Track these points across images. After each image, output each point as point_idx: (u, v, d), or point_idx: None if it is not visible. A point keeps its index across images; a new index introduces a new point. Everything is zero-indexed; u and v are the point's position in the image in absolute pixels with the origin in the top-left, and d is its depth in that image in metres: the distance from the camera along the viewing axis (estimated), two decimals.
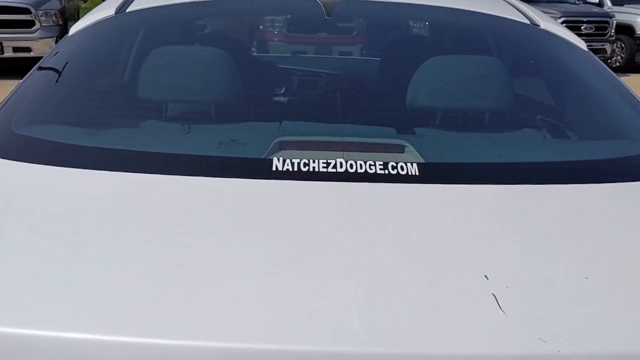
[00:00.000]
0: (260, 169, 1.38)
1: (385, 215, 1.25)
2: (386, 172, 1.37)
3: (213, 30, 2.50)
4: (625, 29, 11.17)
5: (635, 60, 11.33)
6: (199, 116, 1.74)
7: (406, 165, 1.39)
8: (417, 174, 1.37)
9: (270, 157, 1.41)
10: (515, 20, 2.12)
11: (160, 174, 1.34)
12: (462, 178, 1.40)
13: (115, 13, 2.04)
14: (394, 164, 1.39)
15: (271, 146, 1.46)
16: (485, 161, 1.50)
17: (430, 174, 1.40)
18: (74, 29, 2.10)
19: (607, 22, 10.60)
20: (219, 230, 1.19)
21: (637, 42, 11.27)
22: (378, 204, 1.28)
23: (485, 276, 1.03)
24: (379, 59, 2.34)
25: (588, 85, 2.05)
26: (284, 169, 1.36)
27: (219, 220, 1.21)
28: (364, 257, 1.10)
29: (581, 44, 2.14)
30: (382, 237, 1.17)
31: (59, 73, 1.88)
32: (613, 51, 10.86)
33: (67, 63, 1.94)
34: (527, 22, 2.12)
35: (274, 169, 1.37)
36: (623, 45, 11.32)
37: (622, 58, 11.32)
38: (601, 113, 1.93)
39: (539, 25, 2.12)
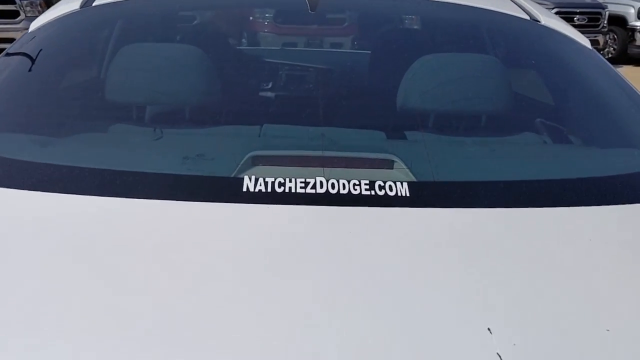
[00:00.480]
0: (228, 190, 1.20)
1: (369, 249, 1.07)
2: (372, 192, 1.20)
3: (187, 25, 2.31)
4: (617, 20, 11.08)
5: (628, 52, 11.23)
6: (165, 124, 1.56)
7: (395, 184, 1.22)
8: (408, 195, 1.20)
9: (241, 176, 1.24)
10: (514, 16, 1.96)
11: (110, 196, 1.16)
12: (459, 200, 1.22)
13: (81, 7, 1.86)
14: (381, 184, 1.22)
15: (242, 162, 1.29)
16: (486, 179, 1.31)
17: (423, 195, 1.22)
18: (34, 24, 1.92)
19: (600, 14, 10.49)
20: (175, 267, 1.01)
21: (630, 33, 11.19)
22: (362, 235, 1.11)
23: (489, 329, 0.87)
24: (368, 58, 2.16)
25: (593, 86, 1.89)
26: (256, 190, 1.19)
27: (174, 255, 1.04)
28: (343, 301, 0.93)
29: (584, 41, 1.98)
30: (365, 277, 0.99)
31: (13, 76, 1.70)
32: (606, 42, 10.75)
33: (22, 64, 1.75)
34: (527, 17, 1.96)
35: (244, 189, 1.19)
36: (615, 36, 11.24)
37: (614, 49, 11.21)
38: (608, 117, 1.77)
39: (539, 21, 1.96)
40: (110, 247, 1.05)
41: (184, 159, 1.30)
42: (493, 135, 1.67)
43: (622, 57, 11.00)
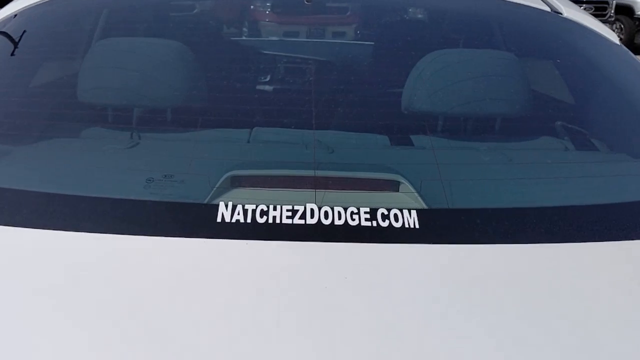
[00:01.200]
0: (199, 221, 0.99)
1: (367, 303, 0.86)
2: (374, 224, 0.98)
3: (169, 17, 2.09)
4: (624, 10, 10.85)
5: (635, 42, 10.97)
6: (139, 132, 1.34)
7: (402, 213, 1.00)
8: (417, 226, 0.99)
9: (216, 202, 1.03)
10: (533, 7, 1.74)
11: (55, 229, 0.95)
12: (483, 234, 1.00)
13: None
14: (385, 212, 1.00)
15: (219, 184, 1.07)
16: (515, 205, 1.09)
17: (436, 227, 1.01)
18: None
19: (607, 3, 10.29)
20: (126, 328, 0.80)
21: (637, 22, 10.95)
22: (360, 283, 0.89)
23: None
24: (370, 53, 1.94)
25: (621, 85, 1.67)
26: (233, 221, 0.98)
27: (124, 306, 0.83)
28: None
29: (611, 35, 1.76)
30: (362, 342, 0.78)
31: None
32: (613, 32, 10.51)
33: None
34: (547, 9, 1.75)
35: (219, 219, 0.98)
36: (622, 26, 11.00)
37: (621, 39, 10.94)
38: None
39: (561, 13, 1.76)
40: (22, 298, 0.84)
41: (148, 182, 1.08)
42: (516, 145, 1.45)
43: (630, 47, 10.70)
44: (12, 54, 1.59)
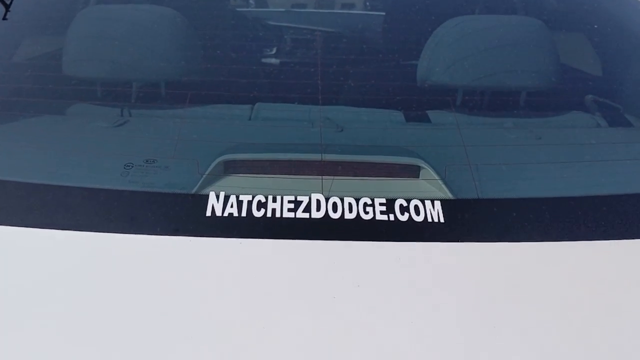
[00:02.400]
0: (185, 216, 0.84)
1: (381, 317, 0.71)
2: (391, 217, 0.83)
3: None
4: None
5: None
6: (116, 111, 1.18)
7: (423, 205, 0.85)
8: (442, 220, 0.83)
9: (205, 192, 0.88)
10: None
11: (11, 225, 0.80)
12: (521, 229, 0.84)
13: None
14: (404, 203, 0.85)
15: (209, 170, 0.92)
16: (558, 194, 0.92)
17: (465, 221, 0.85)
18: None
19: None
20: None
21: None
22: (374, 291, 0.74)
23: None
24: (382, 23, 1.77)
25: None
26: (225, 214, 0.83)
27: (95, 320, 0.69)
28: None
29: None
30: None
31: None
32: None
33: None
34: None
35: (208, 213, 0.84)
36: None
37: None
38: None
39: None
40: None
41: (127, 167, 0.93)
42: (548, 122, 1.29)
43: None
44: None
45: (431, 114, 1.21)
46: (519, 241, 0.82)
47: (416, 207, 0.85)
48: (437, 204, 0.85)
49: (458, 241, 0.81)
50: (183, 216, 0.84)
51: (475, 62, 1.31)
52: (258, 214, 0.83)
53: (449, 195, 0.89)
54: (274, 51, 1.72)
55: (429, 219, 0.83)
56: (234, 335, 0.67)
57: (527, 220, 0.85)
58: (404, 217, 0.83)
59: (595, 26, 1.59)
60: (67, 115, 1.21)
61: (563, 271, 0.79)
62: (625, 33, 1.58)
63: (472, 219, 0.85)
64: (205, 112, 1.20)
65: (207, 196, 0.86)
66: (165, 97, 1.23)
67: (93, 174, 0.93)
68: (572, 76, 1.51)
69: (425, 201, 0.86)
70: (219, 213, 0.83)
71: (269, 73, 1.54)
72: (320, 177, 0.91)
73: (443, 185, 0.90)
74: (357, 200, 0.85)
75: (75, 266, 0.76)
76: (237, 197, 0.85)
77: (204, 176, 0.90)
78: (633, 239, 0.85)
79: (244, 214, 0.83)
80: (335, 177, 0.91)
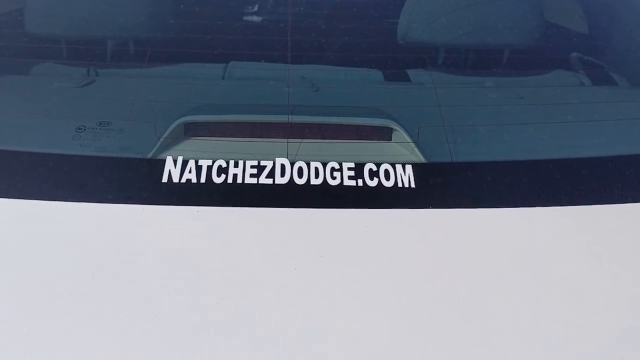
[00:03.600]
0: (139, 182, 0.79)
1: (347, 287, 0.66)
2: (359, 183, 0.79)
3: None
4: None
5: None
6: (77, 70, 1.11)
7: (394, 169, 0.80)
8: (413, 186, 0.79)
9: (162, 157, 0.82)
10: None
11: None
12: (495, 194, 0.80)
13: None
14: (373, 168, 0.80)
15: (167, 133, 0.86)
16: (535, 157, 0.88)
17: (436, 186, 0.81)
18: None
19: None
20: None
21: None
22: (340, 261, 0.70)
23: None
24: None
25: None
26: (182, 180, 0.78)
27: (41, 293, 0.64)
28: None
29: None
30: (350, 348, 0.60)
31: None
32: None
33: None
34: None
35: (164, 179, 0.78)
36: None
37: None
38: None
39: None
40: None
41: (79, 130, 0.87)
42: (530, 81, 1.23)
43: None
44: None
45: (410, 72, 1.15)
46: (493, 207, 0.78)
47: (386, 172, 0.80)
48: (408, 168, 0.81)
49: (429, 207, 0.77)
50: (137, 183, 0.78)
51: (458, 18, 1.25)
52: (218, 180, 0.78)
53: (421, 159, 0.84)
54: (252, 8, 1.65)
55: (399, 184, 0.79)
56: (188, 310, 0.63)
57: (502, 185, 0.80)
58: (373, 183, 0.79)
59: None
60: (26, 76, 1.14)
61: (540, 238, 0.75)
62: None
63: (444, 184, 0.81)
64: (174, 71, 1.14)
65: (163, 161, 0.81)
66: (132, 56, 1.16)
67: (43, 137, 0.87)
68: (556, 33, 1.45)
69: (396, 165, 0.81)
70: (176, 179, 0.78)
71: (244, 30, 1.47)
72: (286, 140, 0.85)
73: (415, 149, 0.85)
74: (325, 165, 0.80)
75: (20, 236, 0.71)
76: (197, 162, 0.80)
77: (162, 139, 0.85)
78: (615, 203, 0.81)
79: (203, 180, 0.78)
80: (302, 141, 0.86)
